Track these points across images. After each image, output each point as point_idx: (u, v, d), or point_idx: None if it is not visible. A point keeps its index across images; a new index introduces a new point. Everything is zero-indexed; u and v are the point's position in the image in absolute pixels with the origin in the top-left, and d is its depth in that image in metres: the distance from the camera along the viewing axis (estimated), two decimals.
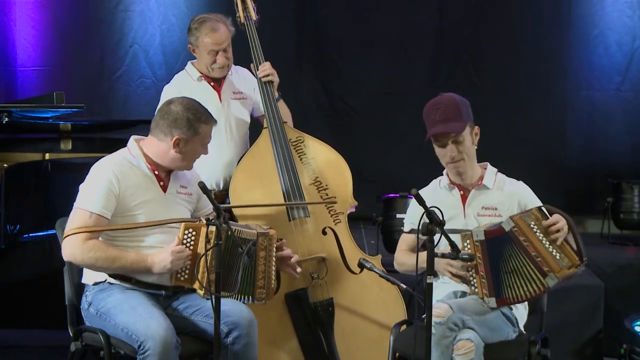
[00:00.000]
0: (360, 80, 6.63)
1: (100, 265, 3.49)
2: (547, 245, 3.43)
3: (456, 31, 6.59)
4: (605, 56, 6.51)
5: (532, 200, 3.68)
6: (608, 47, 6.50)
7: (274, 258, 3.66)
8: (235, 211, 4.19)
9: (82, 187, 3.58)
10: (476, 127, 3.69)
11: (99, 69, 6.51)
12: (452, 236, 3.31)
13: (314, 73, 6.63)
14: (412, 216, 3.80)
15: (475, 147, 3.70)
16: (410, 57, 6.61)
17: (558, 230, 3.42)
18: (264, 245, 3.62)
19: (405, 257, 3.78)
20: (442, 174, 3.79)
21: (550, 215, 3.47)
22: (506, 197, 3.69)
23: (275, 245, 3.68)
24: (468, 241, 3.51)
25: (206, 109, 3.69)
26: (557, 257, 3.43)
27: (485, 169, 3.76)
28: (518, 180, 3.77)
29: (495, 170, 3.76)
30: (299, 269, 3.85)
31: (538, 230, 3.43)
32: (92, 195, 3.51)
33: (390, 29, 6.57)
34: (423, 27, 6.59)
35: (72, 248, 3.48)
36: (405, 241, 3.84)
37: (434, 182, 3.82)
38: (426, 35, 6.60)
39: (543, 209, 3.49)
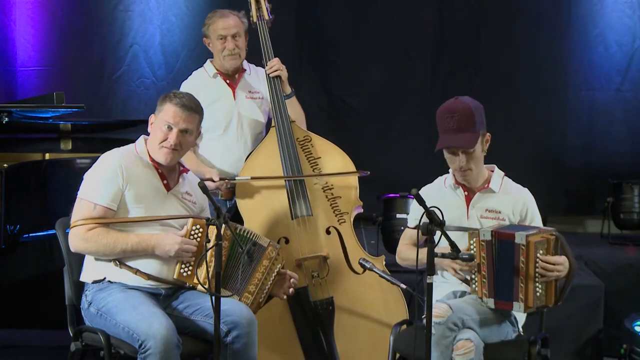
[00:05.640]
0: (360, 80, 6.63)
1: (104, 251, 3.52)
2: (536, 278, 3.41)
3: (456, 31, 6.59)
4: (605, 56, 6.51)
5: (533, 210, 3.70)
6: (608, 47, 6.49)
7: (274, 274, 3.68)
8: (240, 212, 4.23)
9: (87, 176, 3.61)
10: (487, 134, 3.67)
11: (99, 69, 6.50)
12: (458, 234, 3.31)
13: (314, 73, 6.62)
14: (416, 212, 3.79)
15: (484, 154, 3.69)
16: (410, 57, 6.60)
17: (554, 271, 3.41)
18: (270, 256, 3.65)
19: (408, 252, 3.76)
20: (448, 172, 3.77)
21: (562, 253, 3.46)
22: (510, 201, 3.69)
23: (280, 264, 3.70)
24: (474, 239, 3.51)
25: (191, 97, 3.68)
26: (538, 293, 3.42)
27: (493, 171, 3.75)
28: (524, 187, 3.76)
29: (502, 174, 3.75)
30: (284, 296, 3.83)
31: (539, 261, 3.41)
32: (97, 187, 3.55)
33: (390, 29, 6.57)
34: (423, 27, 6.59)
35: (76, 240, 3.53)
36: (409, 236, 3.83)
37: (439, 179, 3.82)
38: (426, 35, 6.59)
39: (560, 240, 3.46)
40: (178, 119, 3.60)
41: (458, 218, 3.67)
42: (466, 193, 3.72)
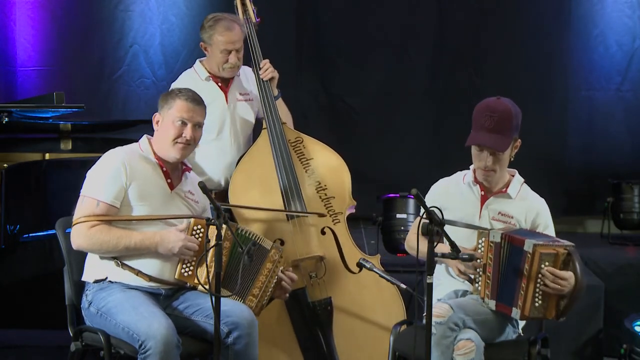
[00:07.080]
0: (360, 80, 6.62)
1: (106, 248, 3.51)
2: (537, 288, 3.40)
3: (456, 31, 6.59)
4: (605, 56, 6.50)
5: (546, 221, 3.68)
6: (608, 47, 6.49)
7: (277, 277, 3.67)
8: (234, 211, 4.19)
9: (90, 173, 3.61)
10: (519, 140, 3.67)
11: (99, 69, 6.50)
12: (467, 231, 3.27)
13: (314, 73, 6.62)
14: (428, 201, 3.76)
15: (511, 159, 3.68)
16: (410, 57, 6.60)
17: (556, 284, 3.38)
18: (273, 259, 3.65)
19: (416, 243, 3.70)
20: (469, 169, 3.75)
21: (572, 269, 3.41)
22: (525, 209, 3.67)
23: (282, 267, 3.69)
24: (483, 239, 3.51)
25: (194, 92, 3.69)
26: (536, 304, 3.41)
27: (513, 176, 3.73)
28: (541, 197, 3.74)
29: (522, 180, 3.74)
30: (287, 295, 3.82)
31: (543, 272, 3.38)
32: (100, 184, 3.55)
33: (390, 29, 6.57)
34: (423, 27, 6.58)
35: (78, 237, 3.53)
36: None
37: (458, 174, 3.80)
38: (426, 35, 6.59)
39: (572, 257, 3.42)
40: (192, 113, 3.62)
41: (470, 216, 3.66)
42: (483, 193, 3.70)
